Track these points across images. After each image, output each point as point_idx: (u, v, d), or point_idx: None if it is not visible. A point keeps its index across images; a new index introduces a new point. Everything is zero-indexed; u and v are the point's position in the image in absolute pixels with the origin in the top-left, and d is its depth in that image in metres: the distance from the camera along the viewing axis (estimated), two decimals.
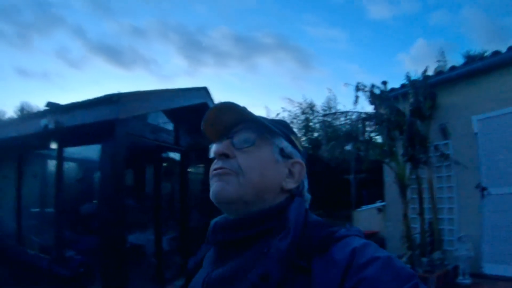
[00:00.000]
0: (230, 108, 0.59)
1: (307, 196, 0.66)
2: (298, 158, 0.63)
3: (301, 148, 0.66)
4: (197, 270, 0.63)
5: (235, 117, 0.61)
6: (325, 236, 0.50)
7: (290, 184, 0.61)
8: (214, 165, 0.60)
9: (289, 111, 15.35)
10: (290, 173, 0.61)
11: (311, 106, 15.13)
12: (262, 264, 0.48)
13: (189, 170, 4.94)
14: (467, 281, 3.78)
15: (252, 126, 0.60)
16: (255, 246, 0.53)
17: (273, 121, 0.64)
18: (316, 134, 14.69)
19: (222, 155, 0.59)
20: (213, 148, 0.61)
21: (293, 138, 0.65)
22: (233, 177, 0.56)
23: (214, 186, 0.57)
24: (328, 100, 15.08)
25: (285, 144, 0.62)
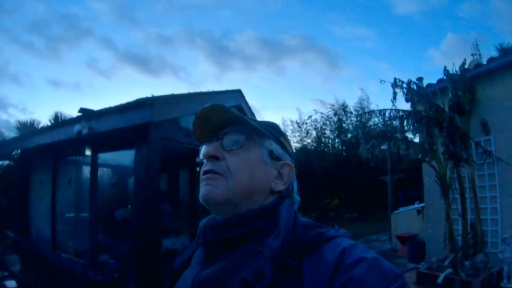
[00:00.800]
0: (219, 109, 0.59)
1: (296, 198, 0.65)
2: (287, 160, 0.64)
3: (290, 150, 0.67)
4: (183, 269, 0.63)
5: (224, 118, 0.61)
6: (314, 237, 0.51)
7: (279, 186, 0.61)
8: (203, 167, 0.60)
9: (321, 113, 15.28)
10: (279, 175, 0.62)
11: (344, 107, 14.98)
12: (255, 262, 0.48)
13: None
14: None
15: (241, 128, 0.60)
16: (245, 246, 0.53)
17: (262, 123, 0.64)
18: (349, 136, 14.50)
19: (212, 157, 0.59)
20: (203, 150, 0.62)
21: (282, 140, 0.65)
22: (221, 180, 0.57)
23: (203, 189, 0.58)
24: (361, 101, 14.90)
25: (274, 146, 0.62)
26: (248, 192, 0.57)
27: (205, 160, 0.61)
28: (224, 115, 0.60)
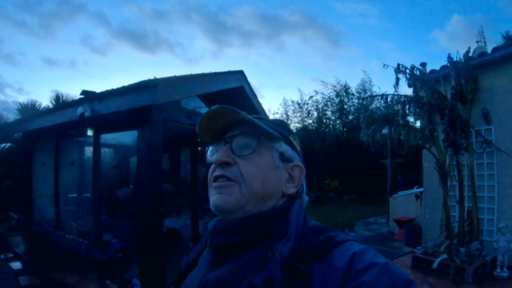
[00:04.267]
0: (227, 112, 0.57)
1: (305, 198, 0.64)
2: (297, 160, 0.62)
3: (299, 149, 0.65)
4: (190, 270, 0.62)
5: (231, 119, 0.59)
6: (324, 241, 0.50)
7: (291, 189, 0.60)
8: (214, 173, 0.58)
9: (323, 94, 15.23)
10: (290, 177, 0.61)
11: (346, 89, 14.88)
12: (267, 269, 0.47)
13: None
14: (505, 274, 3.64)
15: (250, 131, 0.58)
16: (253, 249, 0.53)
17: (271, 123, 0.62)
18: (351, 117, 14.46)
19: (223, 164, 0.57)
20: (214, 157, 0.59)
21: (291, 139, 0.63)
22: (235, 187, 0.56)
23: (216, 198, 0.56)
24: (363, 83, 14.81)
25: (284, 147, 0.61)
26: (261, 198, 0.56)
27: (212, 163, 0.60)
28: (231, 116, 0.58)
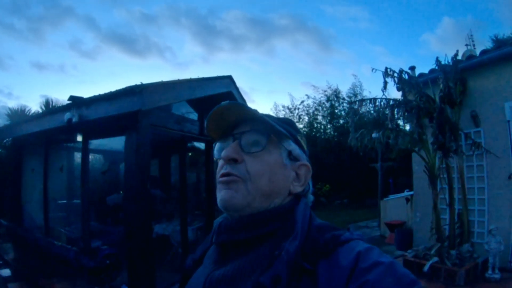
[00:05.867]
0: (239, 108, 0.58)
1: (310, 197, 0.65)
2: (304, 160, 0.63)
3: (306, 148, 0.65)
4: (195, 268, 0.62)
5: (240, 115, 0.59)
6: (330, 239, 0.50)
7: (297, 188, 0.60)
8: (221, 170, 0.58)
9: (314, 98, 15.31)
10: (297, 176, 0.61)
11: (337, 93, 15.00)
12: (274, 267, 0.47)
13: (214, 159, 4.91)
14: (497, 276, 3.64)
15: (259, 128, 0.58)
16: (259, 247, 0.53)
17: (279, 121, 0.62)
18: (341, 121, 14.57)
19: (231, 160, 0.57)
20: (222, 153, 0.59)
21: (299, 138, 0.63)
22: (241, 184, 0.55)
23: (223, 193, 0.56)
24: (354, 87, 14.95)
25: (293, 146, 0.61)
26: (268, 196, 0.56)
27: (220, 160, 0.60)
28: (242, 113, 0.58)
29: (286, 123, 0.63)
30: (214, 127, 0.62)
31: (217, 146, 0.63)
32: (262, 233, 0.54)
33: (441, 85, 3.90)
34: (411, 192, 5.77)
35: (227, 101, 0.57)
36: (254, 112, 0.57)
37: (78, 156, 4.38)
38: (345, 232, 0.52)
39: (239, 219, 0.56)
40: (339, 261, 0.47)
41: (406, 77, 3.87)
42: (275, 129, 0.57)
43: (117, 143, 3.99)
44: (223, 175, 0.57)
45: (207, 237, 0.66)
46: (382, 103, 3.80)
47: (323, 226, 0.55)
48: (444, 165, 3.90)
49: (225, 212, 0.58)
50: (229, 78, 4.54)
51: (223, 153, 0.58)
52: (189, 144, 4.71)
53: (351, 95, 14.62)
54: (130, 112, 3.27)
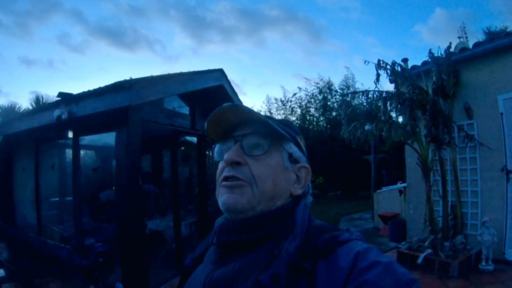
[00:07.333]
0: (241, 110, 0.57)
1: (309, 198, 0.65)
2: (304, 162, 0.63)
3: (305, 150, 0.66)
4: (194, 267, 0.63)
5: (242, 117, 0.59)
6: (329, 240, 0.51)
7: (298, 190, 0.61)
8: (224, 173, 0.58)
9: (306, 91, 15.30)
10: (297, 178, 0.61)
11: (329, 86, 15.00)
12: (273, 266, 0.47)
13: (207, 153, 4.90)
14: (490, 267, 3.66)
15: (261, 130, 0.58)
16: (259, 248, 0.53)
17: (280, 123, 0.62)
18: (334, 114, 14.59)
19: (234, 163, 0.57)
20: (225, 156, 0.58)
21: (299, 139, 0.64)
22: (246, 188, 0.55)
23: (226, 197, 0.56)
24: (346, 79, 14.95)
25: (293, 148, 0.61)
26: (271, 199, 0.56)
27: (221, 162, 0.59)
28: (244, 115, 0.57)
29: (286, 125, 0.63)
30: (214, 128, 0.61)
31: (217, 148, 0.63)
32: (263, 235, 0.54)
33: (434, 77, 3.89)
34: (404, 184, 5.79)
35: (229, 103, 0.57)
36: (258, 115, 0.56)
37: (69, 153, 4.32)
38: (344, 233, 0.53)
39: (241, 221, 0.56)
40: (338, 261, 0.47)
41: (399, 69, 3.86)
42: (277, 132, 0.57)
43: (109, 139, 3.94)
44: (226, 178, 0.57)
45: (207, 237, 0.66)
46: (375, 95, 3.80)
47: (322, 227, 0.56)
48: (437, 157, 3.90)
49: (227, 214, 0.58)
50: (220, 71, 4.50)
51: (225, 156, 0.57)
52: (181, 139, 4.67)
53: (344, 87, 14.69)
54: (120, 107, 3.23)
